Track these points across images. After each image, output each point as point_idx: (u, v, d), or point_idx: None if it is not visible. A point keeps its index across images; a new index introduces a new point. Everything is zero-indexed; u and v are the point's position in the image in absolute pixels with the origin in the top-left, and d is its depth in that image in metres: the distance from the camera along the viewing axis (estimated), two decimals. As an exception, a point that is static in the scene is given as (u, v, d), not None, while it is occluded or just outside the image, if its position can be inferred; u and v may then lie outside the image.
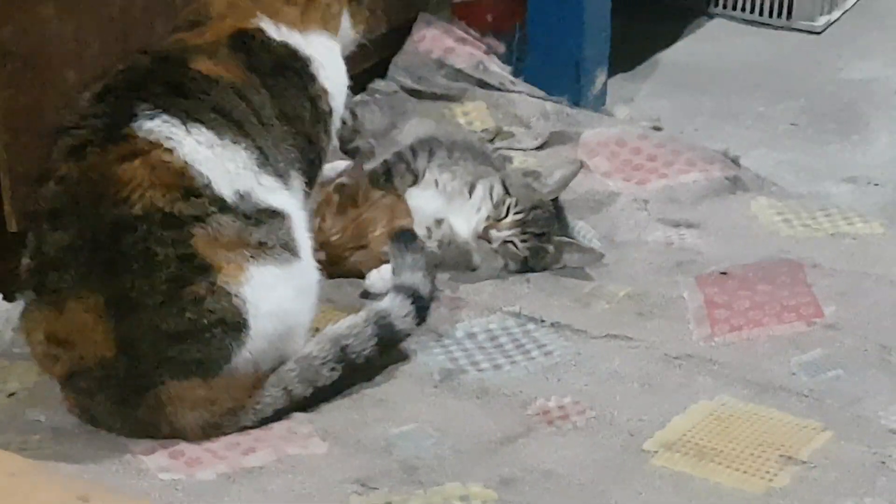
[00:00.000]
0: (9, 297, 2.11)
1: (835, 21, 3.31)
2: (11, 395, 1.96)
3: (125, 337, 1.79)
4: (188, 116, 1.84)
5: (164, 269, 1.78)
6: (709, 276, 2.27)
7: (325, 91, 2.05)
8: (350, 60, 2.23)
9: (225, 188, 1.83)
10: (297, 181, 1.98)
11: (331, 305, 2.07)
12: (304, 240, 1.92)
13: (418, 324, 2.02)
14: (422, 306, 2.02)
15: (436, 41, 2.81)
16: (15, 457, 1.74)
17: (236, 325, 1.81)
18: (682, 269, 2.30)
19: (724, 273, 2.27)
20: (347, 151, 2.47)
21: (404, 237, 2.11)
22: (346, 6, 2.11)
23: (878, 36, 3.26)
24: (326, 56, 2.08)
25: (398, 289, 2.02)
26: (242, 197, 1.84)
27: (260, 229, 1.85)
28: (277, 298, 1.85)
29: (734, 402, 1.97)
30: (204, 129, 1.84)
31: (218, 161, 1.84)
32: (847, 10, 3.35)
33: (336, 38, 2.10)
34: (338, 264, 2.18)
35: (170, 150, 1.81)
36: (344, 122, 2.42)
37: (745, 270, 2.28)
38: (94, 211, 1.79)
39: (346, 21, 2.12)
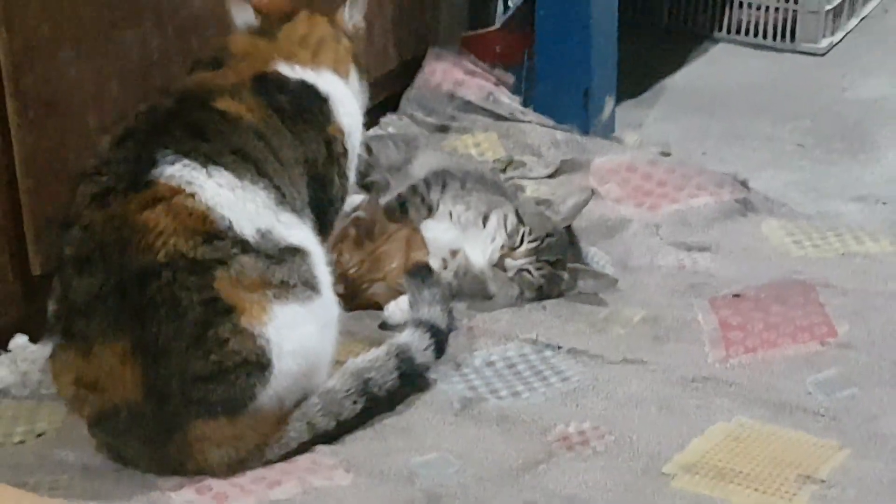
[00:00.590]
0: (34, 339, 2.13)
1: (838, 42, 3.32)
2: (40, 435, 1.96)
3: (153, 380, 1.79)
4: (208, 160, 1.85)
5: (189, 314, 1.78)
6: (722, 298, 2.26)
7: (341, 131, 2.06)
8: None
9: (247, 228, 1.84)
10: (313, 219, 1.99)
11: (350, 337, 2.07)
12: (324, 275, 1.92)
13: (437, 357, 2.03)
14: (440, 339, 2.04)
15: (446, 74, 2.82)
16: (47, 500, 1.75)
17: (260, 366, 1.82)
18: (695, 291, 2.29)
19: (737, 295, 2.27)
20: (363, 185, 2.47)
21: (420, 272, 2.12)
22: (351, 54, 2.12)
23: (881, 55, 3.27)
24: (341, 94, 2.10)
25: (417, 323, 2.04)
26: (264, 235, 1.85)
27: (282, 268, 1.85)
28: (300, 336, 1.85)
29: (752, 423, 1.96)
30: (224, 172, 1.85)
31: (239, 202, 1.84)
32: (849, 32, 3.36)
33: (346, 81, 2.11)
34: (356, 297, 2.18)
35: (191, 195, 1.82)
36: (359, 157, 2.43)
37: (758, 292, 2.27)
38: (119, 258, 1.80)
39: (353, 71, 2.14)
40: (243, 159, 1.88)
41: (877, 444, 1.92)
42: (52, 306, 1.86)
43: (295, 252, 1.88)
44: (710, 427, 1.96)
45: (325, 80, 2.08)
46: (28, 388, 2.05)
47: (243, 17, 2.09)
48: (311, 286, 1.88)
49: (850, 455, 1.89)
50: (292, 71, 2.04)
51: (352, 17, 2.17)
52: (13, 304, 2.15)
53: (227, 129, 1.90)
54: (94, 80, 2.17)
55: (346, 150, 2.08)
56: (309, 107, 2.04)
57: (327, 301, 1.92)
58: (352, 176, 2.15)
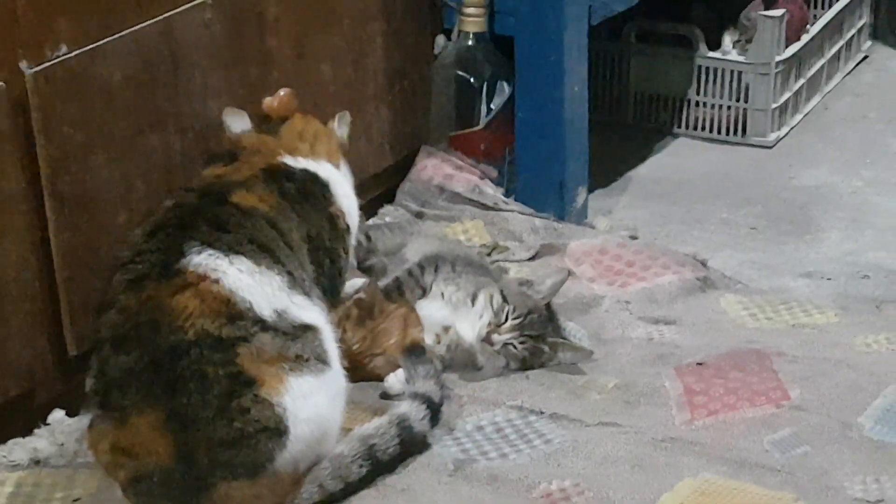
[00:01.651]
0: (70, 414, 2.13)
1: (784, 136, 3.32)
2: (76, 500, 1.96)
3: (183, 446, 1.80)
4: (230, 249, 1.87)
5: (215, 386, 1.79)
6: (687, 366, 2.27)
7: (341, 211, 2.10)
8: (363, 190, 2.28)
9: (265, 309, 1.86)
10: (321, 297, 2.01)
11: (355, 406, 2.07)
12: (333, 350, 1.94)
13: (433, 425, 2.05)
14: (435, 410, 2.06)
15: (436, 169, 2.83)
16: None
17: (278, 432, 1.82)
18: (662, 361, 2.29)
19: (700, 363, 2.27)
20: (363, 269, 2.48)
21: (415, 351, 2.15)
22: (341, 150, 2.17)
23: (822, 148, 3.27)
24: (338, 180, 2.14)
25: (414, 396, 2.06)
26: (280, 315, 1.87)
27: (296, 343, 1.87)
28: (314, 405, 1.86)
29: (715, 479, 1.96)
30: (244, 259, 1.87)
31: (257, 286, 1.86)
32: (794, 126, 3.36)
33: (339, 170, 2.14)
34: (358, 370, 2.18)
35: (216, 281, 1.84)
36: (359, 244, 2.45)
37: (718, 360, 2.28)
38: (152, 337, 1.81)
39: (343, 163, 2.18)
40: (259, 248, 1.90)
41: (828, 496, 1.92)
42: (89, 382, 1.87)
43: (308, 329, 1.89)
44: (679, 483, 1.96)
45: (324, 169, 2.12)
46: (65, 458, 2.04)
47: (239, 124, 2.14)
48: (322, 360, 1.89)
49: (805, 506, 1.89)
50: (295, 161, 2.08)
51: (339, 129, 2.22)
52: (51, 381, 2.15)
53: (244, 221, 1.93)
54: (122, 181, 2.19)
55: (347, 227, 2.12)
56: (313, 191, 2.07)
57: (337, 373, 1.93)
58: (352, 253, 2.17)
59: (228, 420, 1.80)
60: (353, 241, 2.16)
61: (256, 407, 1.81)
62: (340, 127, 2.23)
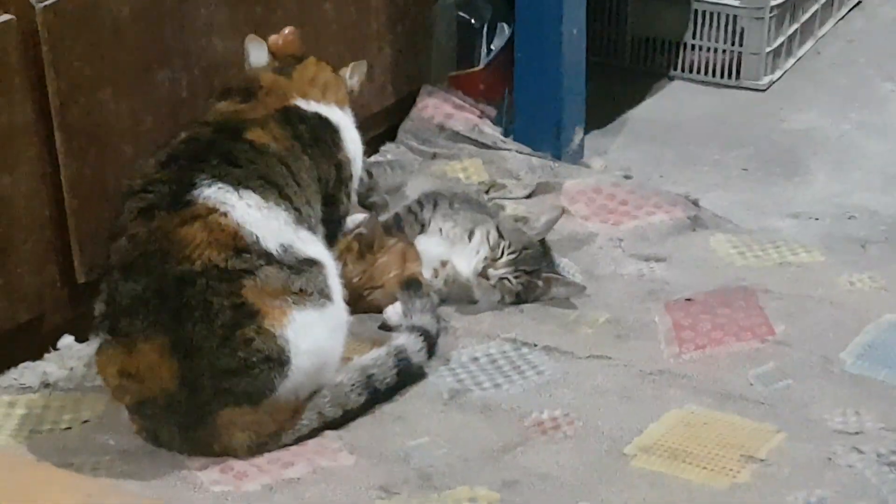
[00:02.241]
0: (80, 339, 2.14)
1: (777, 80, 3.30)
2: (85, 422, 1.98)
3: (187, 372, 1.81)
4: (240, 184, 1.87)
5: (220, 316, 1.80)
6: (676, 302, 2.27)
7: (347, 157, 2.09)
8: (365, 128, 2.27)
9: (271, 243, 1.86)
10: (324, 234, 2.01)
11: (354, 337, 2.07)
12: (336, 285, 1.94)
13: (429, 357, 2.06)
14: (431, 342, 2.07)
15: (437, 108, 2.82)
16: (89, 479, 1.77)
17: (280, 362, 1.83)
18: (652, 297, 2.30)
19: (689, 299, 2.28)
20: (365, 205, 2.47)
21: (412, 285, 2.15)
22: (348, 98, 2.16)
23: (813, 92, 3.26)
24: (347, 125, 2.13)
25: (411, 328, 2.07)
26: (286, 249, 1.87)
27: (301, 278, 1.87)
28: (315, 338, 1.87)
29: (701, 410, 1.98)
30: (253, 194, 1.87)
31: (265, 220, 1.86)
32: (786, 71, 3.34)
33: (347, 112, 2.13)
34: (358, 302, 2.19)
35: (224, 214, 1.84)
36: (361, 180, 2.44)
37: (706, 297, 2.28)
38: (160, 266, 1.81)
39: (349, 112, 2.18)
40: (269, 184, 1.90)
41: (808, 428, 1.94)
42: (98, 307, 1.88)
43: (312, 264, 1.90)
44: (665, 414, 1.97)
45: (335, 114, 2.10)
46: (74, 382, 2.06)
47: (258, 54, 2.12)
48: (325, 294, 1.90)
49: (786, 438, 1.91)
50: (308, 105, 2.07)
51: (351, 77, 2.19)
52: (61, 308, 2.16)
53: (255, 158, 1.92)
54: (129, 115, 2.19)
55: (351, 175, 2.11)
56: (323, 135, 2.07)
57: (338, 307, 1.94)
58: (353, 197, 2.17)
59: (232, 349, 1.81)
60: (355, 187, 2.16)
61: (259, 337, 1.82)
62: (354, 76, 2.20)
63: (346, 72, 2.19)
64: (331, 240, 2.05)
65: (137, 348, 1.82)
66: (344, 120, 2.12)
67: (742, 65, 3.25)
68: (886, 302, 2.25)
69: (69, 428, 1.96)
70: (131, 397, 1.86)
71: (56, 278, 2.13)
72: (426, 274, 2.25)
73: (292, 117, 2.03)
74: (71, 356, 2.12)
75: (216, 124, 1.98)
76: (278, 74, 2.10)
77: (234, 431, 1.85)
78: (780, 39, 3.29)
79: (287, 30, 2.21)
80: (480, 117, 2.84)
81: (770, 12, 3.21)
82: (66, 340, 2.15)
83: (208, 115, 2.04)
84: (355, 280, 2.21)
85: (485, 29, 2.84)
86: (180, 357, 1.81)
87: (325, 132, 2.07)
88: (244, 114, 2.00)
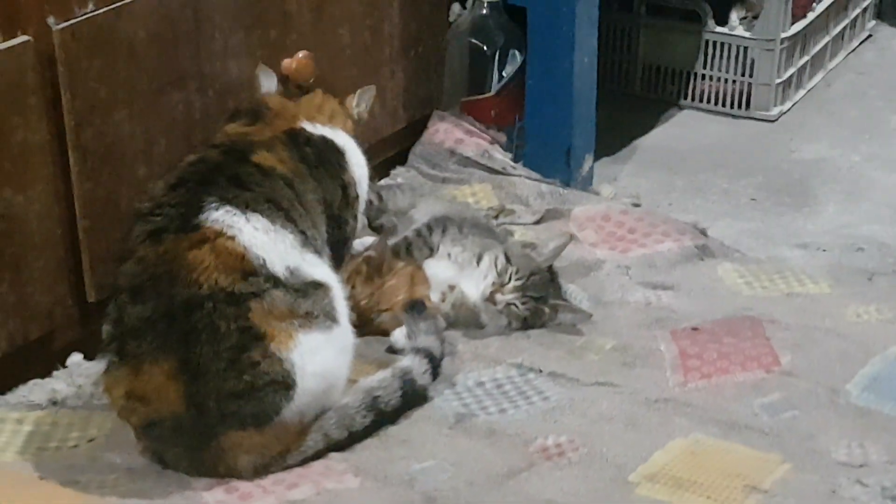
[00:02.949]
0: (88, 357, 2.14)
1: (787, 111, 3.31)
2: (91, 440, 1.97)
3: (194, 395, 1.81)
4: (247, 207, 1.88)
5: (227, 340, 1.80)
6: (682, 330, 2.27)
7: (353, 180, 2.10)
8: (377, 152, 2.28)
9: (278, 266, 1.86)
10: (330, 256, 2.01)
11: (362, 360, 2.08)
12: (342, 307, 1.94)
13: (434, 379, 2.06)
14: (436, 364, 2.06)
15: (448, 133, 2.83)
16: (95, 498, 1.77)
17: (286, 385, 1.84)
18: (659, 325, 2.30)
19: (695, 328, 2.28)
20: (374, 228, 2.48)
21: (416, 307, 2.15)
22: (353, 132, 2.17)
23: (822, 122, 3.27)
24: (353, 149, 2.13)
25: (416, 350, 2.06)
26: (292, 272, 1.87)
27: (307, 301, 1.87)
28: (321, 361, 1.87)
29: (706, 440, 1.97)
30: (260, 217, 1.88)
31: (271, 243, 1.87)
32: (797, 102, 3.35)
33: (352, 138, 2.15)
34: (366, 325, 2.19)
35: (232, 238, 1.84)
36: (371, 203, 2.45)
37: (713, 326, 2.28)
38: (168, 289, 1.82)
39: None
40: (275, 207, 1.90)
41: (814, 459, 1.93)
42: (106, 328, 1.88)
43: (318, 287, 1.90)
44: (670, 442, 1.97)
45: (340, 137, 2.11)
46: (82, 400, 2.06)
47: (268, 84, 2.14)
48: (331, 317, 1.90)
49: (791, 469, 1.90)
50: (314, 128, 2.08)
51: (359, 105, 2.20)
52: (71, 326, 2.17)
53: (262, 181, 1.93)
54: (143, 136, 2.20)
55: (357, 196, 2.11)
56: (329, 157, 2.07)
57: (345, 330, 1.94)
58: (361, 219, 2.17)
59: (238, 372, 1.81)
60: (361, 209, 2.16)
61: (266, 361, 1.82)
62: (361, 102, 2.21)
63: (352, 99, 2.20)
64: (337, 262, 2.05)
65: (144, 370, 1.82)
66: (349, 143, 2.13)
67: (752, 95, 3.27)
68: (893, 334, 2.25)
69: (76, 446, 1.96)
70: (138, 418, 1.86)
71: (67, 296, 2.14)
72: (434, 298, 2.26)
73: (299, 139, 2.04)
74: (80, 374, 2.12)
75: (224, 147, 1.99)
76: (287, 99, 2.11)
77: (240, 453, 1.85)
78: (791, 71, 3.30)
79: (301, 53, 2.22)
80: (491, 143, 2.84)
81: (781, 44, 3.22)
82: (75, 358, 2.16)
83: (217, 136, 2.05)
84: (363, 302, 2.22)
85: (496, 56, 2.85)
86: (187, 380, 1.81)
87: (330, 154, 2.08)
88: (251, 136, 2.02)
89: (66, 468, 1.90)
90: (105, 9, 2.09)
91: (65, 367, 2.15)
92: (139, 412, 1.85)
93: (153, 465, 1.89)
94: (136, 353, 1.82)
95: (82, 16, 2.06)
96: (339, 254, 2.07)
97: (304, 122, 2.07)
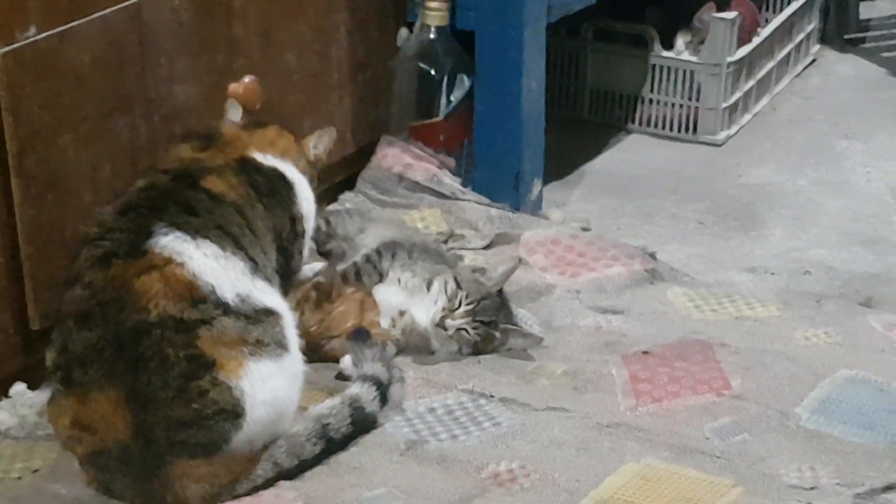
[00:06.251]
0: (32, 387, 2.11)
1: (733, 135, 3.35)
2: (35, 471, 1.95)
3: (141, 424, 1.80)
4: (197, 233, 1.87)
5: (175, 368, 1.79)
6: (633, 355, 2.28)
7: (301, 214, 2.10)
8: (325, 177, 2.28)
9: (228, 293, 1.85)
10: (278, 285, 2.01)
11: (311, 386, 2.07)
12: (292, 335, 1.94)
13: (382, 405, 2.05)
14: (383, 391, 2.06)
15: (396, 158, 2.83)
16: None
17: (235, 414, 1.82)
18: (610, 349, 2.31)
19: (646, 352, 2.29)
20: (322, 253, 2.48)
21: (360, 335, 2.15)
22: (308, 172, 2.16)
23: (769, 147, 3.30)
24: (302, 184, 2.14)
25: (363, 378, 2.06)
26: (243, 299, 1.86)
27: (257, 328, 1.86)
28: (271, 389, 1.86)
29: (657, 464, 1.98)
30: (210, 244, 1.87)
31: (221, 270, 1.86)
32: (743, 126, 3.39)
33: (304, 175, 2.14)
34: (315, 351, 2.18)
35: (181, 264, 1.83)
36: (319, 228, 2.44)
37: (663, 349, 2.29)
38: (116, 316, 1.80)
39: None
40: (226, 233, 1.90)
41: (765, 483, 1.94)
42: (50, 356, 1.86)
43: (269, 314, 1.89)
44: (622, 467, 1.97)
45: (290, 171, 2.12)
46: (25, 430, 2.04)
47: (234, 114, 2.15)
48: (281, 345, 1.89)
49: (742, 492, 1.91)
50: (265, 159, 2.08)
51: (316, 146, 2.20)
52: (14, 355, 2.13)
53: (213, 207, 1.92)
54: (89, 162, 2.18)
55: (304, 231, 2.12)
56: (278, 188, 2.08)
57: (295, 358, 1.93)
58: (306, 252, 2.17)
59: (187, 401, 1.79)
60: (307, 243, 2.16)
61: (215, 389, 1.81)
62: (319, 144, 2.21)
63: (310, 140, 2.20)
64: (284, 290, 2.05)
65: (91, 398, 1.80)
66: (299, 178, 2.13)
67: (699, 120, 3.30)
68: (841, 357, 2.27)
69: (20, 477, 1.93)
70: (84, 448, 1.84)
71: (9, 325, 2.11)
72: (384, 323, 2.25)
73: (249, 168, 2.04)
74: (23, 404, 2.09)
75: (174, 172, 1.98)
76: (241, 129, 2.11)
77: (189, 483, 1.83)
78: (737, 95, 3.34)
79: (247, 78, 2.22)
80: (440, 168, 2.84)
81: (727, 68, 3.26)
82: (18, 388, 2.13)
83: (168, 158, 2.04)
84: (312, 329, 2.21)
85: (445, 80, 2.86)
86: (134, 408, 1.79)
87: (280, 185, 2.08)
88: (202, 162, 2.01)
89: (9, 500, 1.87)
90: (48, 33, 2.07)
91: (8, 397, 2.12)
92: (85, 442, 1.83)
93: (100, 497, 1.87)
94: (82, 381, 1.80)
95: (25, 40, 2.04)
96: (286, 284, 2.06)
97: (255, 152, 2.07)
